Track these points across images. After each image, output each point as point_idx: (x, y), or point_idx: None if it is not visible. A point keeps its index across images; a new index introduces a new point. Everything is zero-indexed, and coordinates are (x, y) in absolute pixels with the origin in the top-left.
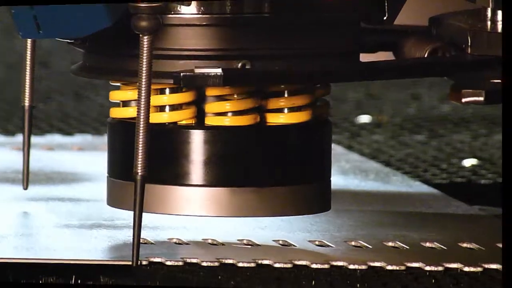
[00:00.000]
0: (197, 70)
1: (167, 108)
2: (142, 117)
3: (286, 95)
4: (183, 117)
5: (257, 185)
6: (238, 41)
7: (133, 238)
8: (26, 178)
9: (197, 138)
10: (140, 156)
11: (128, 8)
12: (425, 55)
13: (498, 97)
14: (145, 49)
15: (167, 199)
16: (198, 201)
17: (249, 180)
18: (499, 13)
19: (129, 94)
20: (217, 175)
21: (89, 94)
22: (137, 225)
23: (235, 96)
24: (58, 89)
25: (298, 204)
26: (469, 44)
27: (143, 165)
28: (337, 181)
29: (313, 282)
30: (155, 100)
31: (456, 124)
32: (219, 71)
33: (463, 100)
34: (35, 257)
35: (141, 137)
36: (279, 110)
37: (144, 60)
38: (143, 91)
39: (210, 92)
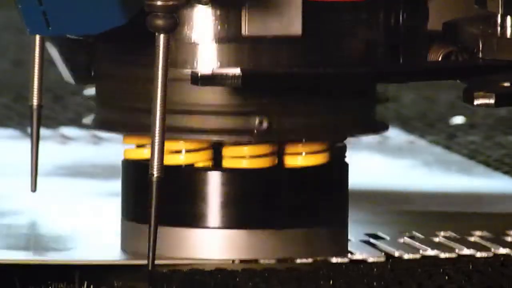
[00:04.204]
0: (216, 70)
1: (183, 150)
2: (158, 112)
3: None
4: (200, 159)
5: (275, 227)
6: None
7: (149, 242)
8: (34, 179)
9: (214, 180)
10: (156, 156)
11: (143, 6)
12: (439, 59)
13: (508, 100)
14: (161, 48)
15: (183, 242)
16: (215, 244)
17: (266, 222)
18: (508, 19)
19: (144, 138)
20: (235, 217)
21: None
22: (153, 228)
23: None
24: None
25: (315, 247)
26: (481, 49)
27: (159, 166)
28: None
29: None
30: (172, 143)
31: None
32: (237, 71)
33: (475, 102)
34: (39, 258)
35: (157, 135)
36: (297, 153)
37: (160, 60)
38: (159, 90)
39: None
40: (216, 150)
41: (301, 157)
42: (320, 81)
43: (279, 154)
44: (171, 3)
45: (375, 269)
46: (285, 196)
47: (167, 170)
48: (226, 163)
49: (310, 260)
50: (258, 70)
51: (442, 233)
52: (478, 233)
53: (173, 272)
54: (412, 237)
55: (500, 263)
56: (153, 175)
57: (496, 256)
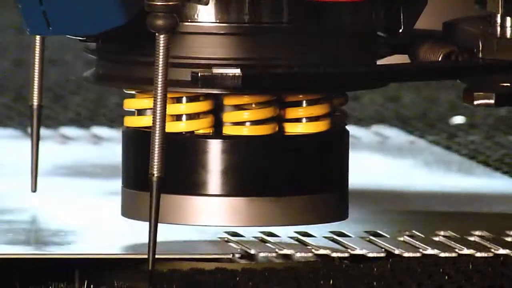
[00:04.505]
0: (215, 71)
1: (184, 117)
2: (158, 111)
3: (304, 105)
4: (201, 126)
5: (275, 195)
6: (256, 50)
7: (149, 242)
8: (34, 179)
9: (214, 148)
10: (156, 156)
11: (143, 6)
12: (439, 59)
13: (508, 99)
14: (161, 48)
15: (184, 209)
16: (215, 211)
17: (266, 189)
18: (508, 19)
19: (145, 102)
20: (235, 185)
21: None
22: (153, 229)
23: (253, 105)
24: None
25: (316, 213)
26: (481, 49)
27: (160, 166)
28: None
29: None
30: (172, 108)
31: None
32: (237, 71)
33: (475, 102)
34: (39, 253)
35: (157, 134)
36: (297, 120)
37: (160, 60)
38: (159, 90)
39: (228, 101)
40: (217, 117)
41: (302, 125)
42: (320, 81)
43: (280, 121)
44: (171, 3)
45: (375, 269)
46: (285, 164)
47: (168, 137)
48: (227, 130)
49: (310, 255)
50: (258, 70)
51: (442, 233)
52: (478, 233)
53: (173, 272)
54: (412, 236)
55: (500, 263)
56: (153, 175)
57: (496, 256)
